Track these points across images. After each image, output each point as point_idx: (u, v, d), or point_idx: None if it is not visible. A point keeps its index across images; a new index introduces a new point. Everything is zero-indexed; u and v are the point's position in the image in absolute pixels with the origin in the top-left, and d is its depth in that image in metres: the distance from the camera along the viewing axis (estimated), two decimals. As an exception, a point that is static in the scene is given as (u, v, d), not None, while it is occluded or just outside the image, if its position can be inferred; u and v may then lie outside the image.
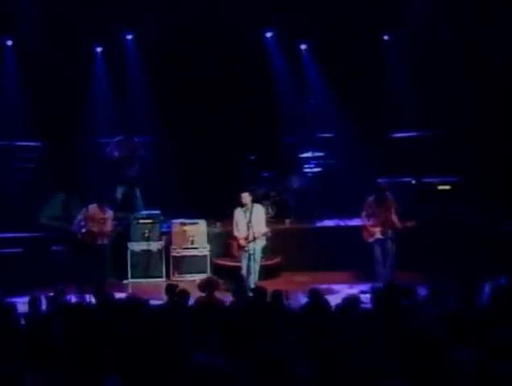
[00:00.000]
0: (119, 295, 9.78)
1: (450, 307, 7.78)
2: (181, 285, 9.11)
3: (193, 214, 13.12)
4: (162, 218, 13.09)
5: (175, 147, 14.14)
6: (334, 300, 8.61)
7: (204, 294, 8.85)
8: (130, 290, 11.91)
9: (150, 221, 12.92)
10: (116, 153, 13.86)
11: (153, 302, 8.77)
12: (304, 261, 12.74)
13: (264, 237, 11.26)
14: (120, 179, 13.90)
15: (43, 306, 8.33)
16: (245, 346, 6.60)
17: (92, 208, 11.68)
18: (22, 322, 7.58)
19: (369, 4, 13.62)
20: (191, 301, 8.64)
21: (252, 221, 11.13)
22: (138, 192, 13.90)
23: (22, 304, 8.50)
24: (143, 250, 12.73)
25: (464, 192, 13.07)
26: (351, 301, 7.89)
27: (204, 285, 8.95)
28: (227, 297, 8.98)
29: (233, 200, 11.58)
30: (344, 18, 13.71)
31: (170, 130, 14.18)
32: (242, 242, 11.16)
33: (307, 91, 14.98)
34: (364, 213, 11.65)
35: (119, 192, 13.84)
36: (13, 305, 8.01)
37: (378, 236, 11.44)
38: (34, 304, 8.22)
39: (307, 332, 6.99)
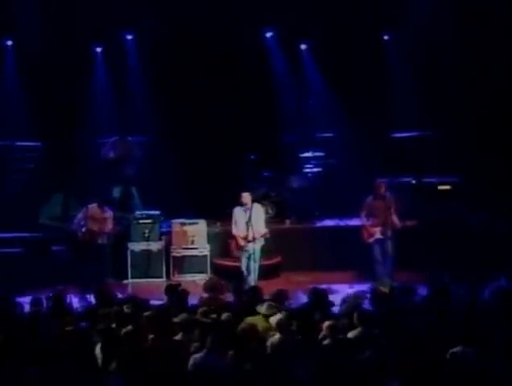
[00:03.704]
0: (119, 295, 9.79)
1: (450, 307, 7.79)
2: (181, 285, 9.13)
3: (193, 214, 13.12)
4: (162, 218, 13.09)
5: (175, 147, 14.12)
6: (334, 300, 8.64)
7: (206, 295, 8.86)
8: (130, 290, 11.92)
9: (150, 221, 12.91)
10: (111, 154, 13.87)
11: (153, 302, 8.77)
12: (304, 261, 12.74)
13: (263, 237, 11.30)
14: (116, 179, 13.91)
15: (44, 307, 8.34)
16: (245, 346, 6.61)
17: (93, 208, 11.70)
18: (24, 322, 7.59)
19: (368, 4, 13.61)
20: (194, 301, 8.68)
21: (252, 221, 11.15)
22: (135, 192, 13.90)
23: (22, 304, 8.52)
24: (143, 250, 12.72)
25: (464, 192, 13.07)
26: (354, 299, 7.93)
27: (210, 287, 8.96)
28: (227, 297, 9.00)
29: (233, 200, 11.59)
30: (344, 18, 13.69)
31: (170, 130, 14.15)
32: (241, 242, 11.19)
33: (307, 91, 14.97)
34: (363, 213, 11.66)
35: (116, 192, 13.85)
36: (17, 306, 8.07)
37: (378, 236, 11.45)
38: (35, 304, 8.23)
39: (308, 332, 7.00)
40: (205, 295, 8.89)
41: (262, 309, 7.64)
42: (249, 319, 7.30)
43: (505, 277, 8.57)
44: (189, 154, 14.27)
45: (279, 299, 8.11)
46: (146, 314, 7.49)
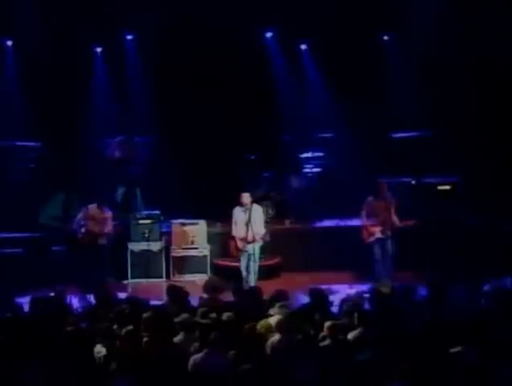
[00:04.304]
0: (119, 295, 9.80)
1: (450, 307, 7.80)
2: (181, 286, 9.13)
3: (193, 214, 13.12)
4: (162, 218, 13.09)
5: (175, 147, 14.13)
6: (334, 300, 8.64)
7: (206, 295, 8.86)
8: (129, 290, 11.93)
9: (150, 221, 12.92)
10: (116, 154, 13.88)
11: (153, 302, 8.78)
12: (304, 261, 12.74)
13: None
14: (120, 179, 13.91)
15: (44, 307, 8.33)
16: (246, 346, 6.61)
17: (93, 208, 11.69)
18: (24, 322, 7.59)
19: (369, 4, 13.61)
20: (194, 301, 8.67)
21: (251, 221, 11.16)
22: (138, 192, 13.91)
23: (22, 304, 8.53)
24: (143, 250, 12.72)
25: (464, 192, 13.07)
26: (354, 299, 7.93)
27: (210, 287, 8.95)
28: (227, 298, 9.00)
29: (233, 200, 11.59)
30: (344, 18, 13.69)
31: (170, 130, 14.17)
32: (241, 243, 11.19)
33: (307, 91, 14.97)
34: (363, 213, 11.65)
35: (119, 192, 13.85)
36: (17, 306, 8.08)
37: (378, 235, 11.44)
38: (35, 304, 8.23)
39: (308, 332, 7.00)
40: (205, 295, 8.89)
41: (275, 311, 7.61)
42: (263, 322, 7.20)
43: (509, 278, 8.58)
44: (189, 154, 14.28)
45: (279, 299, 8.10)
46: (146, 314, 7.49)
